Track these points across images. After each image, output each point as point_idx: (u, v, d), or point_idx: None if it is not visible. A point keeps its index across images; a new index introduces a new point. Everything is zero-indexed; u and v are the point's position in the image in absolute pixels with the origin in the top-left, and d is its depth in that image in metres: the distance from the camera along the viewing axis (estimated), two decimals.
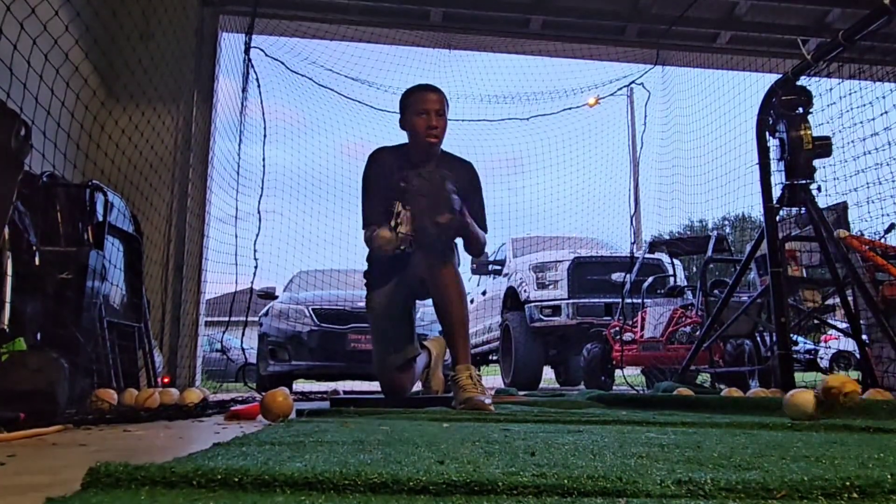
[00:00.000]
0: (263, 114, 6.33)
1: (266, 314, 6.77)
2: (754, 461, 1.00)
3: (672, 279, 6.79)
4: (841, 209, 4.05)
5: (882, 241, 3.93)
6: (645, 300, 6.06)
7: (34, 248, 2.51)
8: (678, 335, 5.51)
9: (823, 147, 3.50)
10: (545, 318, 6.86)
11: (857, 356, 3.69)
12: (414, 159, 3.03)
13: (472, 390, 2.53)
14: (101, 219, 3.15)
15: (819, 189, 3.57)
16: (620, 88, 7.90)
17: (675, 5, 6.41)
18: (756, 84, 5.98)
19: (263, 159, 6.23)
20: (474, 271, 8.49)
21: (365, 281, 3.25)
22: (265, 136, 6.30)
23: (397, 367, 3.13)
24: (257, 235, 5.95)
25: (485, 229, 3.21)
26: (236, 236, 5.88)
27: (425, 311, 6.13)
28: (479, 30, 6.72)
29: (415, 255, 2.88)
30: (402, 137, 3.11)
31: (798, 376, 3.98)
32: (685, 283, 6.81)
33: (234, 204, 6.01)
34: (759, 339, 4.73)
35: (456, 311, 2.72)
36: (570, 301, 6.81)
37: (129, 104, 4.96)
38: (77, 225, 2.99)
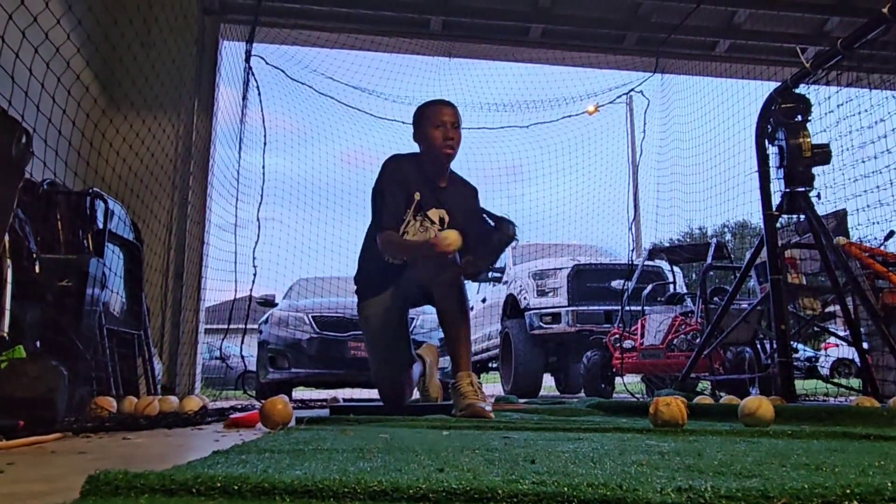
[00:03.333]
0: (264, 122, 6.35)
1: (266, 322, 6.76)
2: (755, 469, 1.00)
3: (672, 286, 6.79)
4: (840, 216, 4.05)
5: (882, 248, 3.93)
6: (645, 307, 6.06)
7: (34, 255, 2.51)
8: (678, 343, 5.50)
9: (822, 154, 3.51)
10: (545, 326, 6.85)
11: (858, 364, 3.69)
12: (427, 171, 3.03)
13: (473, 398, 2.53)
14: (101, 226, 3.15)
15: (818, 196, 3.58)
16: (620, 96, 7.93)
17: (675, 14, 6.44)
18: (755, 92, 5.99)
19: (263, 167, 6.25)
20: (474, 279, 8.48)
21: (356, 288, 3.22)
22: (265, 143, 6.33)
23: (394, 374, 3.12)
24: (256, 243, 5.96)
25: None
26: (236, 244, 5.89)
27: (424, 318, 6.13)
28: (478, 38, 6.75)
29: (414, 263, 2.87)
30: (403, 145, 3.13)
31: (798, 384, 3.97)
32: (685, 291, 6.80)
33: (234, 212, 6.02)
34: (759, 346, 4.73)
35: (459, 318, 2.72)
36: (570, 308, 6.80)
37: (129, 112, 4.97)
38: (77, 232, 3.00)
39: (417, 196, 2.97)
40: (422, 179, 3.01)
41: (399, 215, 2.95)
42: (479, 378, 2.83)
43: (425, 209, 2.99)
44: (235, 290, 5.87)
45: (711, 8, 6.35)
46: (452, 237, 2.63)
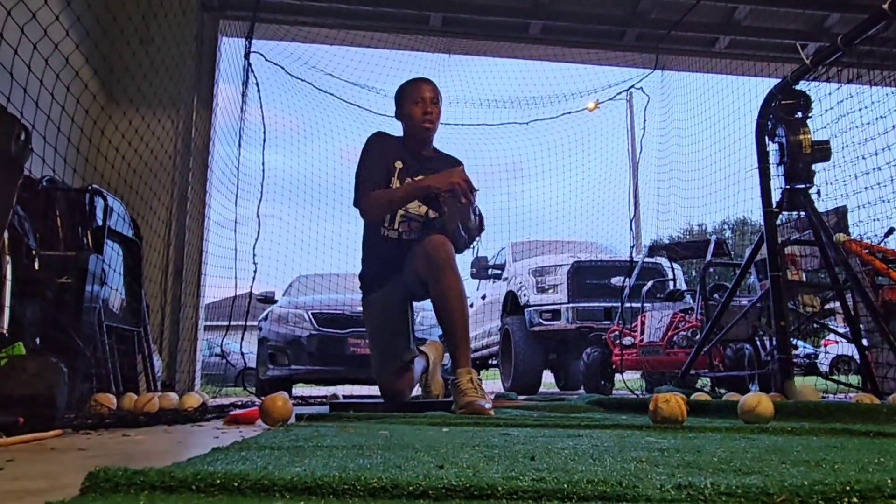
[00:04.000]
0: (263, 118, 6.34)
1: (266, 318, 6.76)
2: (754, 465, 1.00)
3: (672, 283, 6.79)
4: (840, 213, 4.05)
5: (882, 244, 3.93)
6: (644, 304, 6.06)
7: (34, 252, 2.50)
8: (678, 339, 5.51)
9: (822, 151, 3.51)
10: (545, 323, 6.86)
11: (857, 360, 3.69)
12: (410, 147, 3.11)
13: (473, 395, 2.53)
14: (100, 223, 3.15)
15: (818, 193, 3.57)
16: (620, 93, 7.92)
17: (674, 10, 6.43)
18: (755, 88, 5.99)
19: (263, 164, 6.24)
20: (474, 276, 8.49)
21: (360, 284, 3.25)
22: (265, 140, 6.32)
23: (395, 371, 3.12)
24: (256, 240, 5.95)
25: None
26: (236, 240, 5.88)
27: (425, 314, 6.13)
28: (478, 34, 6.74)
29: (413, 256, 2.88)
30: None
31: (798, 380, 3.97)
32: (685, 287, 6.81)
33: (234, 208, 6.02)
34: (758, 343, 4.73)
35: (457, 314, 2.72)
36: (570, 305, 6.80)
37: (129, 109, 4.97)
38: (77, 229, 2.99)
39: (399, 164, 3.04)
40: (404, 152, 3.08)
41: (377, 183, 2.98)
42: (478, 375, 2.83)
43: (413, 175, 3.03)
44: (236, 287, 5.87)
45: (711, 4, 6.34)
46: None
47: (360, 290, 3.27)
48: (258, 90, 6.33)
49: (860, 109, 3.68)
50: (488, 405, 2.50)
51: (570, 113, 7.87)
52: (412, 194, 2.93)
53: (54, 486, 0.98)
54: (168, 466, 0.88)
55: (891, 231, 4.00)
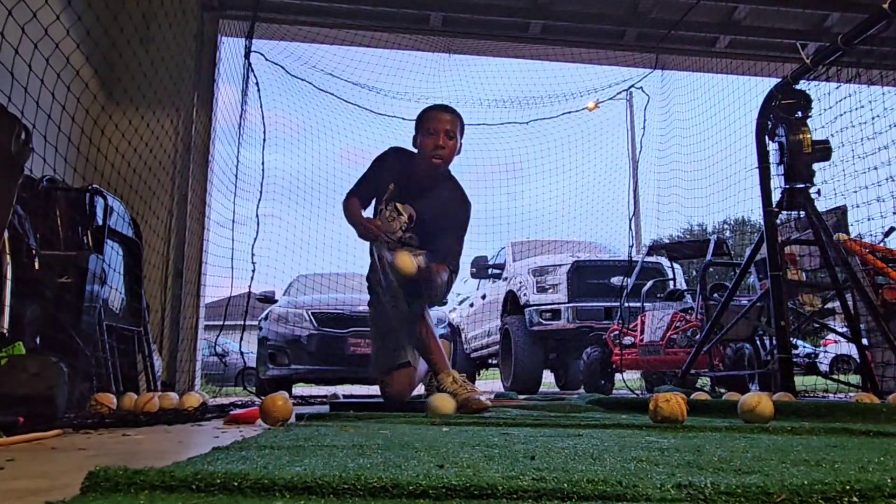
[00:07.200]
0: (263, 118, 6.33)
1: (266, 318, 6.76)
2: (754, 465, 1.00)
3: (672, 283, 6.79)
4: (840, 213, 4.05)
5: (882, 244, 3.93)
6: (644, 304, 6.06)
7: (34, 251, 2.50)
8: (678, 339, 5.51)
9: (822, 151, 3.51)
10: (545, 322, 6.85)
11: (857, 360, 3.70)
12: (416, 171, 3.07)
13: (465, 392, 2.53)
14: (100, 223, 3.15)
15: (818, 192, 3.57)
16: (620, 92, 7.92)
17: (675, 9, 6.42)
18: (755, 88, 5.98)
19: (263, 163, 6.23)
20: (474, 275, 8.50)
21: (367, 285, 3.28)
22: (265, 140, 6.31)
23: (396, 370, 3.12)
24: (255, 239, 5.94)
25: (455, 269, 3.14)
26: (233, 240, 5.87)
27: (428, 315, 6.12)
28: (478, 34, 6.74)
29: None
30: (402, 142, 3.21)
31: (798, 380, 3.97)
32: (685, 287, 6.81)
33: (233, 208, 6.01)
34: (758, 342, 4.73)
35: (433, 350, 2.88)
36: (570, 305, 6.80)
37: (129, 108, 4.97)
38: (77, 229, 2.99)
39: (391, 187, 3.08)
40: (404, 174, 3.08)
41: (367, 195, 3.12)
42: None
43: (397, 201, 3.08)
44: (231, 287, 5.85)
45: (711, 4, 6.34)
46: (406, 262, 2.74)
47: (361, 291, 3.31)
48: (258, 90, 6.33)
49: (860, 108, 3.68)
50: (484, 397, 2.51)
51: (569, 112, 7.87)
52: (354, 225, 3.05)
53: (54, 485, 0.98)
54: (168, 466, 0.88)
55: (891, 230, 4.00)
